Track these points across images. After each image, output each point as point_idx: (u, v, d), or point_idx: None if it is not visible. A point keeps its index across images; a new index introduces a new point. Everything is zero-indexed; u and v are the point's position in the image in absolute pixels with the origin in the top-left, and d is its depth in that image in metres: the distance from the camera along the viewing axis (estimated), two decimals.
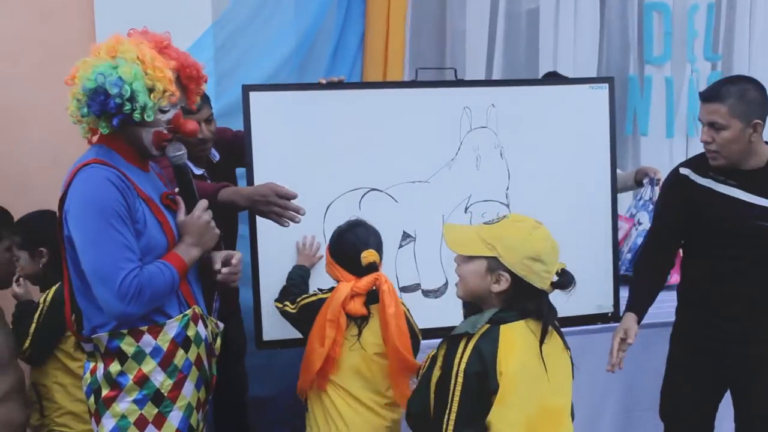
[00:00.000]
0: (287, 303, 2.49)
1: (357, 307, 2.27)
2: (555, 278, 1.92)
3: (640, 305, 2.69)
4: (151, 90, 1.95)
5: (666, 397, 2.77)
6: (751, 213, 2.50)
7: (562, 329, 2.02)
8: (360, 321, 2.31)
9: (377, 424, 2.31)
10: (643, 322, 2.81)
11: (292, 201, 2.43)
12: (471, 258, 1.97)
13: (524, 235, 1.92)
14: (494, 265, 1.92)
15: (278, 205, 2.42)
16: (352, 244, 2.34)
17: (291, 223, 2.44)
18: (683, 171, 2.67)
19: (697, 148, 4.25)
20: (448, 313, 2.39)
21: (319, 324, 2.27)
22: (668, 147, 4.32)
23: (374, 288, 2.30)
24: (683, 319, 2.75)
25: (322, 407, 2.33)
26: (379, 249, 2.38)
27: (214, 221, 2.17)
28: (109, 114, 1.93)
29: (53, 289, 2.63)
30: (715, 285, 2.60)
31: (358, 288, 2.28)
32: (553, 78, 3.63)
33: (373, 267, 2.31)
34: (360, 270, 2.30)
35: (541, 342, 1.88)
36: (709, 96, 2.50)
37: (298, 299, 2.45)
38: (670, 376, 2.77)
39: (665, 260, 2.81)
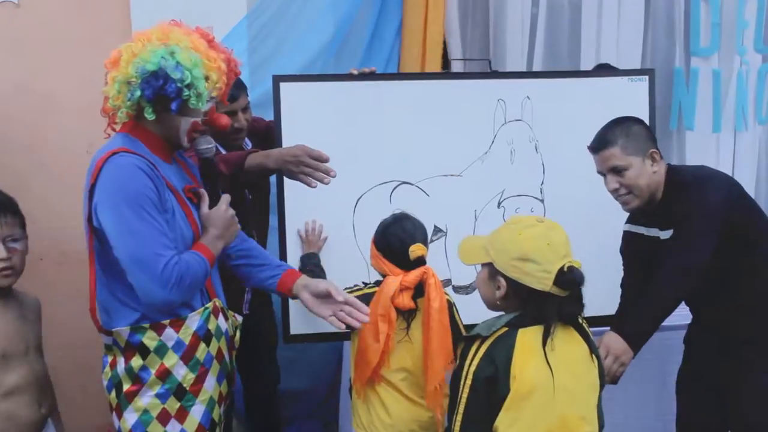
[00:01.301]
0: None
1: (405, 300, 2.24)
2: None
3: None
4: (206, 79, 1.96)
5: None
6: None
7: (603, 328, 1.95)
8: (408, 315, 2.28)
9: (419, 414, 2.29)
10: (681, 323, 2.76)
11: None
12: (482, 267, 1.95)
13: (512, 235, 1.86)
14: (493, 271, 1.89)
15: (309, 166, 2.41)
16: (399, 238, 2.30)
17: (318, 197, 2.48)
18: (624, 228, 2.74)
19: (745, 145, 4.18)
20: (479, 309, 2.34)
21: (371, 319, 2.23)
22: (715, 142, 4.18)
23: (421, 282, 2.27)
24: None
25: (364, 397, 2.32)
26: (425, 242, 2.34)
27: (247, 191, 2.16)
28: (165, 99, 1.92)
29: None
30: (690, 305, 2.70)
31: (407, 282, 2.24)
32: (602, 70, 3.53)
33: (421, 261, 2.28)
34: (407, 263, 2.27)
35: (544, 344, 1.80)
36: (598, 146, 2.53)
37: None
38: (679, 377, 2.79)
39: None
